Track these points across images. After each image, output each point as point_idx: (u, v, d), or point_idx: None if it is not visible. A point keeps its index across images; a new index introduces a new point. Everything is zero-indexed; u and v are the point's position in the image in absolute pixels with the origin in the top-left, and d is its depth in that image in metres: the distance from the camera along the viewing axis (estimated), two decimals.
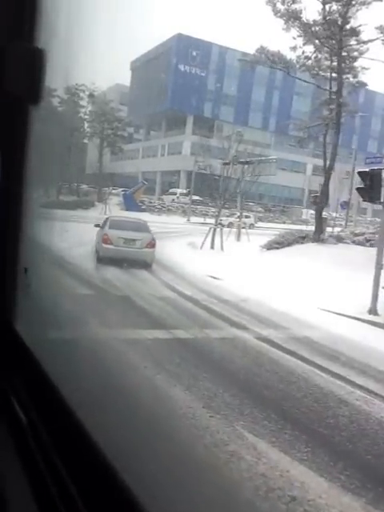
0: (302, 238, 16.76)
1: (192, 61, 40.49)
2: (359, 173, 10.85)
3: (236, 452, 3.38)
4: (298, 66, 18.57)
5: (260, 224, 27.13)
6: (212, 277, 10.63)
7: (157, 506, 0.77)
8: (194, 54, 40.21)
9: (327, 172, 17.83)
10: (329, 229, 20.76)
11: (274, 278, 10.27)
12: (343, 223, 26.69)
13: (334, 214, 26.93)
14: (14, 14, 1.25)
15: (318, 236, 16.78)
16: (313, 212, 35.57)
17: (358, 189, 11.19)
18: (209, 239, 16.12)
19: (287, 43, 19.09)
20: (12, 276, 1.44)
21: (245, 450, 3.43)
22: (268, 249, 16.15)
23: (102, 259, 11.09)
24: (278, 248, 16.01)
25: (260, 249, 16.24)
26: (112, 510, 0.81)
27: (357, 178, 12.59)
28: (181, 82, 40.49)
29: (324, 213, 18.98)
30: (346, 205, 25.57)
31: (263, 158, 20.19)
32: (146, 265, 11.10)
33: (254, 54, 18.84)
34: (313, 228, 20.60)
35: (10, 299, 1.45)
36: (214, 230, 16.50)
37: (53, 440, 1.03)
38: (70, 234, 10.69)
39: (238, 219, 21.62)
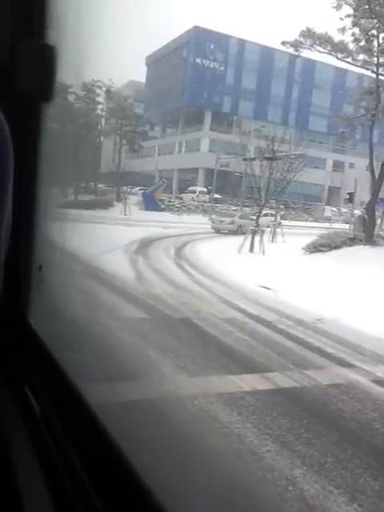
0: (351, 240, 15.48)
1: (210, 54, 39.89)
2: None
3: None
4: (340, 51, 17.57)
5: (283, 222, 26.82)
6: (265, 287, 9.79)
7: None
8: (212, 47, 39.59)
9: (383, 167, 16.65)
10: None
11: (336, 289, 9.38)
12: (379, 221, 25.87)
13: (356, 211, 26.37)
14: (24, 11, 1.26)
15: (370, 238, 15.61)
16: (335, 209, 35.19)
17: None
18: (246, 241, 15.49)
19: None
20: (27, 272, 1.47)
21: None
22: (311, 252, 14.93)
23: (214, 229, 21.22)
24: (323, 251, 14.68)
25: (302, 251, 15.06)
26: (125, 502, 0.82)
27: None
28: (198, 76, 40.01)
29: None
30: (382, 202, 24.82)
31: (290, 154, 19.52)
32: (230, 232, 19.98)
33: (296, 38, 17.73)
34: (339, 226, 19.87)
35: (25, 294, 1.48)
36: (254, 231, 15.79)
37: (66, 431, 1.05)
38: (97, 238, 10.53)
39: (273, 218, 21.07)
